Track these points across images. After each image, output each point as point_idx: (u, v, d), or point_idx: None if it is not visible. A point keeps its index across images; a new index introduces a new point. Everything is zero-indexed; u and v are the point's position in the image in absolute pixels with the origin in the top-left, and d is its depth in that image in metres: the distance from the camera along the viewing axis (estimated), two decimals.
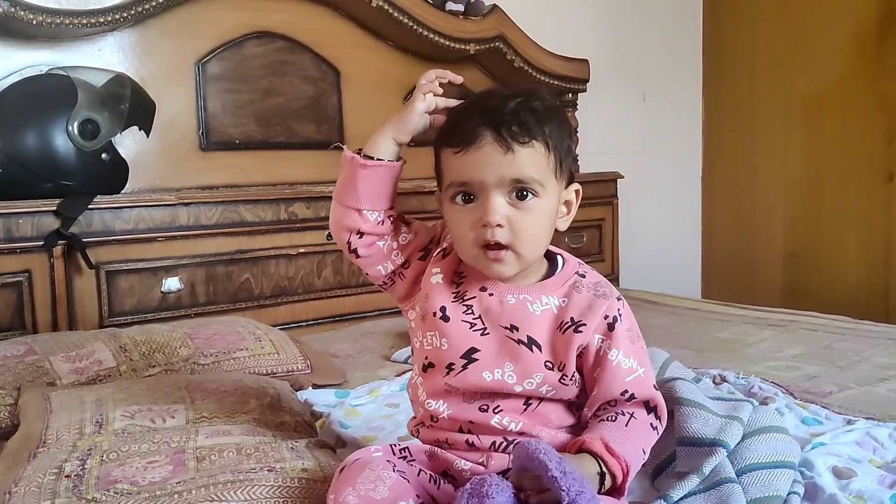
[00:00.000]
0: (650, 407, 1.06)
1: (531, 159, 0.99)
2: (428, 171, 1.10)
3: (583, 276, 1.08)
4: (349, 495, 0.93)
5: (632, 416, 1.04)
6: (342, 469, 1.00)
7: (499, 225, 0.99)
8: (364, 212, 1.08)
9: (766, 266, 3.63)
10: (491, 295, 1.06)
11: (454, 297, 1.07)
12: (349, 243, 1.10)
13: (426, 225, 1.14)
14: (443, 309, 1.06)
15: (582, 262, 1.12)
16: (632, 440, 1.02)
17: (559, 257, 1.10)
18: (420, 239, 1.13)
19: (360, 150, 1.09)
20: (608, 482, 0.98)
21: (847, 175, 3.32)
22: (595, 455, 0.98)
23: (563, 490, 0.86)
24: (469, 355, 1.04)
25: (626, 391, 1.04)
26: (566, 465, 0.88)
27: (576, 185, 1.09)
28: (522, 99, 1.01)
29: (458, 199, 1.02)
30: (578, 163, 3.16)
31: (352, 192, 1.08)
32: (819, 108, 3.39)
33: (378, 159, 1.07)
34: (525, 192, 1.00)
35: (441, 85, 1.09)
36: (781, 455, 1.19)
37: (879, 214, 3.23)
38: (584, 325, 1.03)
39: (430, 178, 1.09)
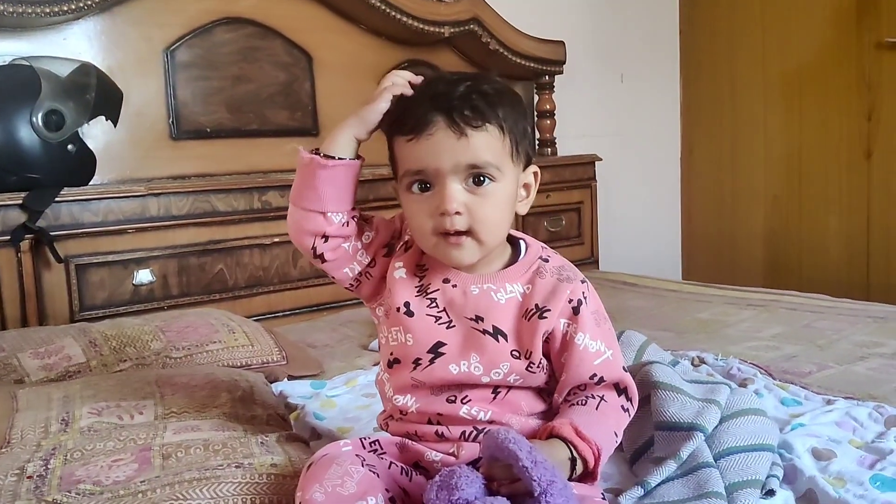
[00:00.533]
0: (620, 389, 1.05)
1: (486, 143, 0.97)
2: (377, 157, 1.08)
3: (546, 261, 1.06)
4: (316, 492, 0.91)
5: (602, 399, 1.02)
6: (309, 466, 0.98)
7: (457, 212, 0.97)
8: (329, 214, 1.04)
9: (747, 245, 3.63)
10: (454, 286, 1.03)
11: (417, 291, 1.04)
12: (314, 248, 1.06)
13: (385, 219, 1.11)
14: (407, 304, 1.03)
15: (545, 245, 1.10)
16: (602, 424, 1.00)
17: (522, 242, 1.09)
18: (382, 235, 1.10)
19: (317, 150, 1.05)
20: (580, 467, 0.96)
21: (827, 152, 3.32)
22: (565, 440, 0.96)
23: (535, 480, 0.84)
24: (436, 349, 1.02)
25: (594, 374, 1.02)
26: (537, 453, 0.86)
27: (534, 168, 1.07)
28: (471, 82, 0.99)
29: (415, 187, 1.00)
30: (556, 145, 3.14)
31: (313, 195, 1.03)
32: (798, 85, 3.38)
33: (339, 158, 1.03)
34: (482, 178, 0.98)
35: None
36: (759, 438, 1.17)
37: (859, 191, 3.23)
38: (549, 310, 1.01)
39: (381, 164, 1.06)
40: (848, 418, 1.35)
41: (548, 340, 1.02)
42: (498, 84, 1.01)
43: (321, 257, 1.06)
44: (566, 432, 0.96)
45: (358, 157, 1.05)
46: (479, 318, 1.02)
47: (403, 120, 0.99)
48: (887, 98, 3.11)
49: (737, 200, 3.66)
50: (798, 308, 2.25)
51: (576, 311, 1.03)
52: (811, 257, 3.41)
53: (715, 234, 3.74)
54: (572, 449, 0.95)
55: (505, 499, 0.87)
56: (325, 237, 1.05)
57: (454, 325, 1.02)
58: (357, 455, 0.98)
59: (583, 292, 1.04)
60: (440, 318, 1.03)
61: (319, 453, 1.00)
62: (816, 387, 1.55)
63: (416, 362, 1.02)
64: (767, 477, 1.11)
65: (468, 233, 0.98)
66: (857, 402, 1.43)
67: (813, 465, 1.16)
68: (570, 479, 0.94)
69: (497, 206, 0.99)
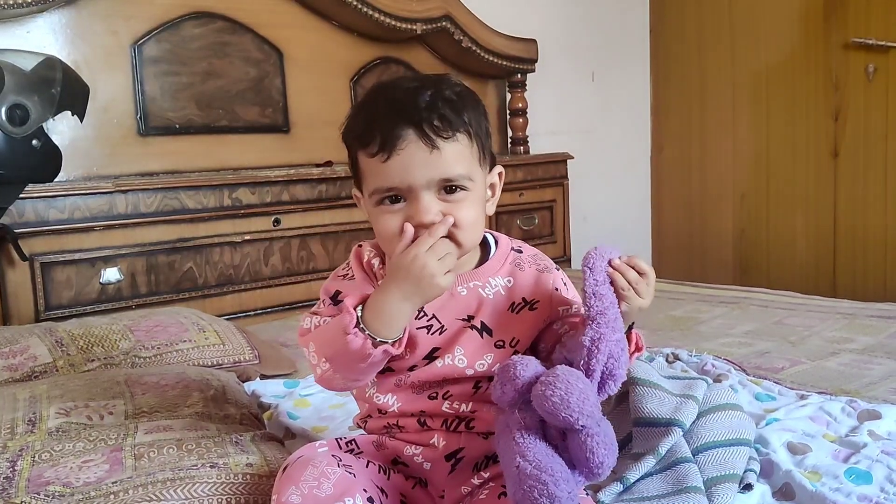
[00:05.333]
0: None
1: (457, 154, 0.95)
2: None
3: (519, 252, 1.07)
4: (292, 494, 0.90)
5: None
6: (285, 468, 0.96)
7: (433, 223, 0.95)
8: None
9: (717, 244, 3.66)
10: None
11: None
12: None
13: (355, 275, 1.04)
14: None
15: (511, 237, 1.11)
16: None
17: (489, 236, 1.08)
18: (363, 292, 1.01)
19: (359, 321, 0.93)
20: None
21: (794, 151, 3.36)
22: None
23: (586, 307, 0.92)
24: (431, 355, 1.01)
25: None
26: (601, 287, 0.92)
27: (499, 168, 1.06)
28: (434, 90, 0.96)
29: (385, 201, 0.97)
30: (528, 143, 3.14)
31: (369, 373, 0.97)
32: (766, 85, 3.42)
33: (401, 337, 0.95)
34: (454, 188, 0.96)
35: None
36: (737, 433, 1.18)
37: (826, 190, 3.28)
38: (538, 301, 1.03)
39: None
40: (821, 413, 1.36)
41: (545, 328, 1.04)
42: (458, 87, 0.99)
43: None
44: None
45: None
46: (469, 317, 1.02)
47: (369, 134, 0.95)
48: (854, 98, 3.15)
49: (706, 199, 3.69)
50: (769, 305, 2.27)
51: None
52: (779, 255, 3.45)
53: (684, 232, 3.77)
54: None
55: (567, 366, 0.89)
56: None
57: (445, 329, 1.01)
58: (333, 455, 0.97)
59: (562, 279, 1.07)
60: (431, 326, 1.01)
61: (295, 455, 0.98)
62: (789, 382, 1.56)
63: (412, 368, 1.02)
64: (745, 471, 1.11)
65: (446, 237, 0.96)
66: (829, 396, 1.44)
67: (789, 460, 1.17)
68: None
69: (470, 209, 0.98)
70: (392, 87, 0.99)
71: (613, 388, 0.91)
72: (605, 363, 0.89)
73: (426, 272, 0.91)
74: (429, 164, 0.94)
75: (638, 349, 1.01)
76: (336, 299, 1.02)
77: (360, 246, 1.07)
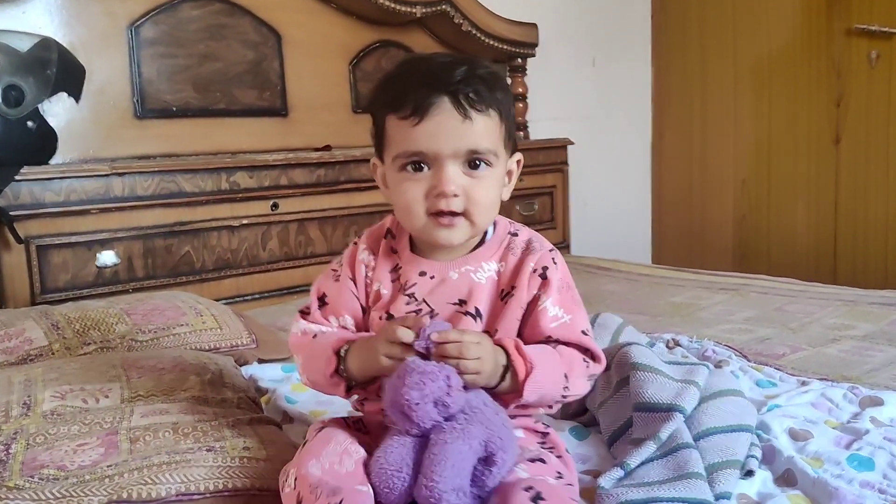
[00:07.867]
0: (583, 349, 1.03)
1: (486, 128, 0.97)
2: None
3: (515, 235, 1.06)
4: (312, 466, 0.90)
5: (558, 346, 1.01)
6: (304, 443, 0.96)
7: (454, 194, 0.96)
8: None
9: (717, 230, 3.64)
10: (432, 277, 1.03)
11: (397, 290, 1.04)
12: None
13: (340, 288, 1.07)
14: (388, 312, 1.02)
15: (511, 220, 1.10)
16: (551, 358, 0.98)
17: None
18: (346, 301, 1.06)
19: (342, 352, 1.01)
20: (508, 379, 0.95)
21: (796, 138, 3.34)
22: (505, 350, 0.95)
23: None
24: None
25: (549, 336, 1.01)
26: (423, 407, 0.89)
27: (518, 155, 1.07)
28: (468, 66, 0.97)
29: (409, 167, 0.98)
30: (528, 129, 3.12)
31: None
32: (768, 72, 3.40)
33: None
34: (479, 162, 0.97)
35: None
36: (738, 418, 1.17)
37: (827, 177, 3.26)
38: (515, 287, 1.02)
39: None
40: (823, 399, 1.35)
41: (526, 313, 1.02)
42: (491, 68, 1.01)
43: None
44: (506, 343, 0.96)
45: None
46: (462, 302, 1.01)
47: (402, 99, 0.96)
48: (856, 85, 3.13)
49: (706, 185, 3.67)
50: (769, 292, 2.26)
51: (543, 276, 1.02)
52: (780, 242, 3.44)
53: (685, 219, 3.76)
54: (508, 359, 0.95)
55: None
56: None
57: (437, 314, 1.01)
58: (351, 435, 0.97)
59: (552, 259, 1.04)
60: (420, 310, 1.01)
61: (314, 427, 0.99)
62: (790, 368, 1.55)
63: None
64: (746, 457, 1.10)
65: (462, 214, 0.98)
66: (831, 383, 1.43)
67: (790, 446, 1.16)
68: (495, 388, 0.95)
69: (491, 189, 0.99)
70: (426, 60, 1.02)
71: (501, 468, 0.90)
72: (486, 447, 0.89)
73: (377, 351, 0.95)
74: (459, 134, 0.95)
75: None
76: (323, 301, 1.07)
77: (355, 243, 1.09)
